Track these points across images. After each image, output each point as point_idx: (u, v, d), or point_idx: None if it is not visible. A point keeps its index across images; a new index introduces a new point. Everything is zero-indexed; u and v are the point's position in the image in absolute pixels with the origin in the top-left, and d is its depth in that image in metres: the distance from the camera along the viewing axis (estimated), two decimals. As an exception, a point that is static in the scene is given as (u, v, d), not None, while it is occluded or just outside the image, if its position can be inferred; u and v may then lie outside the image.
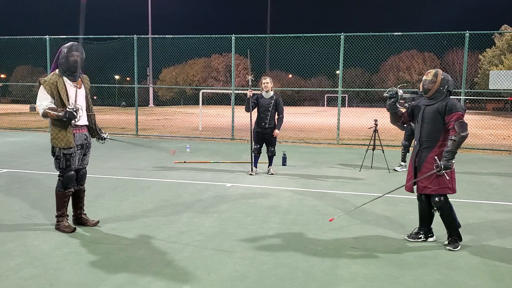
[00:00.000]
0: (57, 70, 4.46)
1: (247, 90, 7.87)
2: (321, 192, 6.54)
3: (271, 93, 7.73)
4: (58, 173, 4.53)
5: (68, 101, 4.38)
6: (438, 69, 4.35)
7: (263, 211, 5.46)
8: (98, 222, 4.80)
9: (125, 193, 6.27)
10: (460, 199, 6.30)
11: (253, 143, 7.90)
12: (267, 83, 7.66)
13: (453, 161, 4.10)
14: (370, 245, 4.28)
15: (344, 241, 4.40)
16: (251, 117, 7.89)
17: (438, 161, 4.11)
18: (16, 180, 7.03)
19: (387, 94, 4.57)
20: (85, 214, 4.80)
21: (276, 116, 7.77)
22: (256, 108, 7.83)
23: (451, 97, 4.30)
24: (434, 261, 3.92)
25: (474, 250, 4.20)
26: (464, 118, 4.14)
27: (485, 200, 6.29)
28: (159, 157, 9.77)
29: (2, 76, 37.55)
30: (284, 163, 8.92)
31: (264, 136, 7.78)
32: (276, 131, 7.73)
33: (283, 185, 7.08)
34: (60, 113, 4.28)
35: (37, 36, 15.81)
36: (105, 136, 4.82)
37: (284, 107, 7.85)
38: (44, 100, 4.33)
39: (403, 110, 4.67)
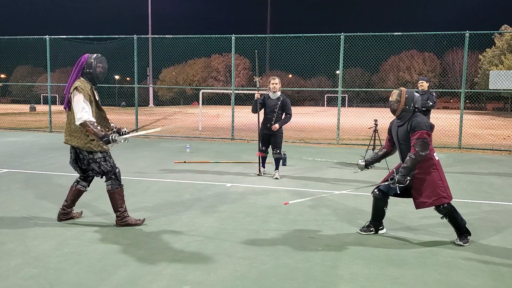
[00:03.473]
0: (81, 77, 4.54)
1: (255, 91, 7.81)
2: (321, 192, 6.53)
3: (278, 93, 7.64)
4: (102, 176, 4.63)
5: (101, 109, 4.60)
6: (402, 88, 4.44)
7: (263, 211, 5.46)
8: (82, 212, 5.06)
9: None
10: (460, 199, 6.30)
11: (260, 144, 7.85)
12: (275, 84, 7.55)
13: (408, 178, 4.23)
14: (370, 245, 4.28)
15: (344, 241, 4.39)
16: (258, 118, 7.84)
17: (395, 175, 4.28)
18: (16, 180, 7.03)
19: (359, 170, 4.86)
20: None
21: (283, 116, 7.67)
22: (263, 109, 7.78)
23: (417, 113, 4.36)
24: (434, 261, 3.92)
25: (474, 250, 4.20)
26: (428, 135, 4.19)
27: (485, 200, 6.29)
28: (159, 157, 9.78)
29: (2, 76, 37.55)
30: (284, 163, 8.91)
31: (269, 137, 7.72)
32: (276, 125, 7.50)
33: (283, 185, 7.08)
34: (99, 133, 4.38)
35: (37, 36, 15.83)
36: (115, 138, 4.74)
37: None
38: (85, 108, 4.39)
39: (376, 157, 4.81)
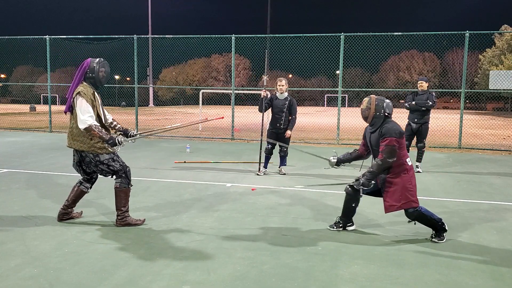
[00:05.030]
0: (84, 82, 4.55)
1: (256, 90, 7.92)
2: (321, 192, 6.54)
3: (285, 94, 7.79)
4: (113, 175, 4.66)
5: (103, 114, 4.62)
6: (372, 96, 4.52)
7: (263, 211, 5.46)
8: (82, 212, 5.05)
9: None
10: (460, 199, 6.31)
11: (263, 143, 7.90)
12: (282, 85, 7.71)
13: (372, 182, 4.38)
14: (370, 245, 4.29)
15: (344, 241, 4.40)
16: (263, 117, 7.97)
17: (360, 177, 4.41)
18: (16, 180, 7.03)
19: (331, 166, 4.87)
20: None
21: (290, 117, 7.82)
22: (269, 109, 7.89)
23: (389, 120, 4.42)
24: (434, 261, 3.92)
25: (474, 250, 4.21)
26: (398, 142, 4.25)
27: (485, 200, 6.29)
28: (159, 157, 9.78)
29: (2, 76, 37.54)
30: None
31: (278, 136, 7.81)
32: (288, 131, 7.80)
33: (283, 185, 7.08)
34: (105, 136, 4.39)
35: (37, 36, 15.82)
36: (133, 133, 4.90)
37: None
38: (89, 112, 4.40)
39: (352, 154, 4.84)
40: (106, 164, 4.57)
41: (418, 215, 4.38)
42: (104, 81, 4.64)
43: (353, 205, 4.63)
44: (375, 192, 4.53)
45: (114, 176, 4.67)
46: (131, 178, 4.76)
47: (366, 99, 4.50)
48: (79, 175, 4.83)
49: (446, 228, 4.46)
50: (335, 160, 4.82)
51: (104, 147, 4.52)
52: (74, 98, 4.46)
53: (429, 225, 4.45)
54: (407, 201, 4.29)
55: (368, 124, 4.54)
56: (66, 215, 4.83)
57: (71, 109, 4.54)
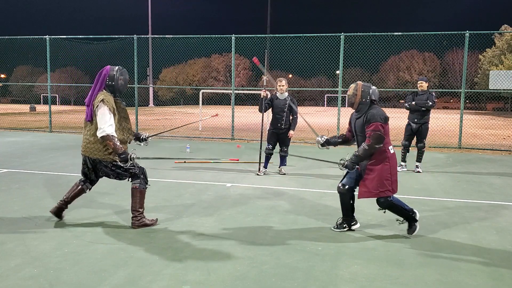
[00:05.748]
0: (103, 89, 4.55)
1: (258, 90, 7.94)
2: (321, 192, 6.54)
3: (286, 94, 7.81)
4: (129, 178, 4.67)
5: (127, 122, 4.67)
6: (358, 82, 4.59)
7: (263, 211, 5.46)
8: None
9: (125, 193, 6.25)
10: (460, 199, 6.31)
11: (263, 143, 7.91)
12: (282, 85, 7.74)
13: (356, 166, 4.45)
14: (370, 245, 4.29)
15: (344, 241, 4.40)
16: (262, 117, 7.99)
17: (345, 159, 4.48)
18: (16, 180, 7.03)
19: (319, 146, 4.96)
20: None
21: (291, 117, 7.84)
22: (270, 109, 7.91)
23: (374, 106, 4.48)
24: (434, 261, 3.92)
25: (474, 250, 4.21)
26: (383, 127, 4.30)
27: (485, 200, 6.29)
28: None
29: (2, 76, 37.55)
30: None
31: (278, 136, 7.85)
32: (291, 132, 7.82)
33: (283, 185, 7.08)
34: (119, 150, 4.40)
35: (37, 36, 15.81)
36: (146, 136, 5.01)
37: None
38: (109, 122, 4.39)
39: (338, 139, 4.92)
40: (124, 168, 4.57)
41: (389, 205, 4.44)
42: (122, 90, 4.63)
43: (350, 201, 4.64)
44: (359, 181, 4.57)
45: (131, 179, 4.67)
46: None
47: (352, 86, 4.56)
48: (80, 175, 4.83)
49: (417, 218, 4.53)
50: (323, 140, 4.88)
51: (112, 154, 4.52)
52: (96, 106, 4.42)
53: (400, 215, 4.51)
54: (383, 190, 4.34)
55: (354, 110, 4.58)
56: (61, 211, 4.82)
57: (92, 117, 4.50)
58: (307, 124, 5.67)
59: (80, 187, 4.78)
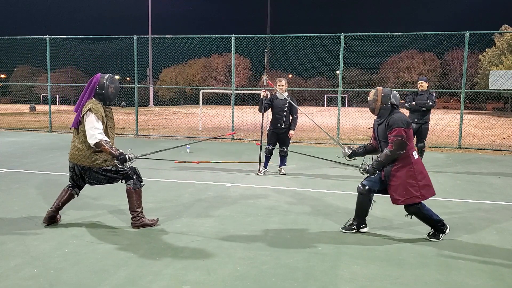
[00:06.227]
0: (93, 98, 4.55)
1: (257, 90, 7.95)
2: (321, 192, 6.54)
3: (285, 94, 7.81)
4: (122, 180, 4.66)
5: (112, 132, 4.64)
6: (379, 87, 4.54)
7: (263, 211, 5.46)
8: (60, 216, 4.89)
9: (124, 193, 6.24)
10: (460, 199, 6.31)
11: (264, 143, 7.92)
12: (282, 85, 7.74)
13: (377, 171, 4.39)
14: (370, 245, 4.28)
15: (344, 241, 4.39)
16: (262, 117, 8.00)
17: (366, 163, 4.40)
18: (16, 180, 7.03)
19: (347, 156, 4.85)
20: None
21: (291, 117, 7.85)
22: (270, 109, 7.91)
23: (396, 110, 4.43)
24: (434, 261, 3.92)
25: (474, 250, 4.21)
26: (406, 133, 4.25)
27: (485, 200, 6.29)
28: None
29: (2, 76, 37.54)
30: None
31: (278, 136, 7.85)
32: (291, 132, 7.81)
33: (283, 185, 7.08)
34: (115, 152, 4.37)
35: (37, 36, 15.81)
36: (131, 157, 4.54)
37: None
38: (99, 128, 4.38)
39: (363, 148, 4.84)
40: (115, 171, 4.55)
41: (416, 212, 4.36)
42: (113, 98, 4.62)
43: (368, 205, 4.55)
44: (383, 190, 4.49)
45: (124, 180, 4.66)
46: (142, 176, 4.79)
47: (372, 91, 4.51)
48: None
49: (445, 231, 4.44)
50: (350, 152, 4.80)
51: (107, 159, 4.51)
52: (84, 114, 4.42)
53: (427, 222, 4.45)
54: (410, 196, 4.27)
55: (375, 116, 4.53)
56: (53, 218, 4.74)
57: (78, 124, 4.50)
58: (329, 136, 5.65)
59: (69, 192, 4.72)
